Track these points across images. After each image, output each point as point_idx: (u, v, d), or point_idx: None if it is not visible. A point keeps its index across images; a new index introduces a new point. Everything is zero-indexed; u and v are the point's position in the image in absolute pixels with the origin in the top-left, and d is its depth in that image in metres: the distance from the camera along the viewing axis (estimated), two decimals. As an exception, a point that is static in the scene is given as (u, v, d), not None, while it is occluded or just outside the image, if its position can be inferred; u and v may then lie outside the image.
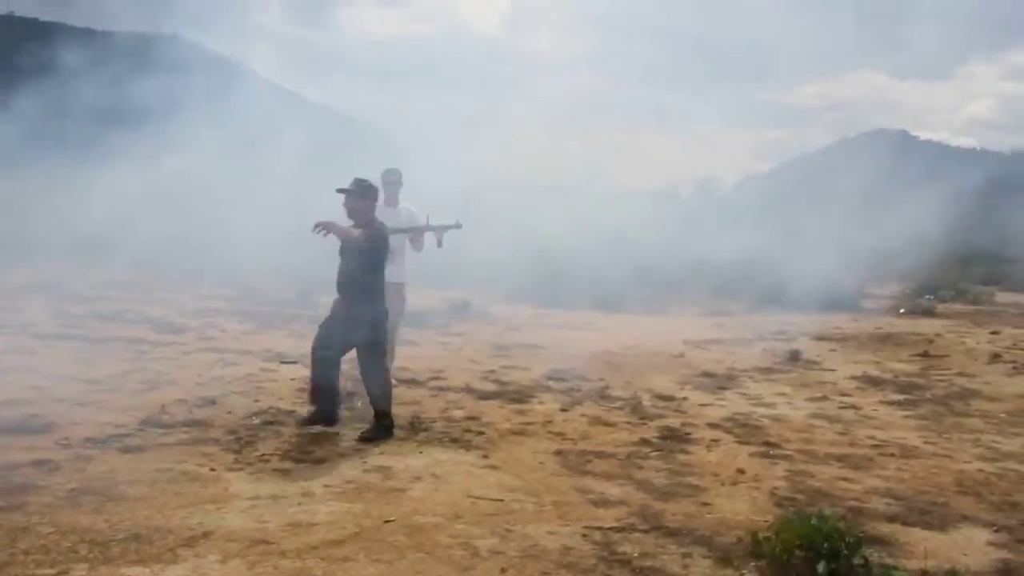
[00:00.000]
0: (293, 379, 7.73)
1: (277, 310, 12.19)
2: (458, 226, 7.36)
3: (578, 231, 18.04)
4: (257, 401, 6.90)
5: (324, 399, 6.28)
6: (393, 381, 6.75)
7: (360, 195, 6.18)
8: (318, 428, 6.18)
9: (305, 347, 9.28)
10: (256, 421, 6.32)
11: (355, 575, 3.82)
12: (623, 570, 4.01)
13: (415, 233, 7.38)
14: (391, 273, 6.93)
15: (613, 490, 5.17)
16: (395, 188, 7.44)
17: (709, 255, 15.86)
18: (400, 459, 5.57)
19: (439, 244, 7.44)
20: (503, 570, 3.94)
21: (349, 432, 6.13)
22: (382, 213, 6.74)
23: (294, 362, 8.53)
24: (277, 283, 15.24)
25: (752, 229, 17.21)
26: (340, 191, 6.17)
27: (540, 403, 7.38)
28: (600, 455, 5.89)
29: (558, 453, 5.90)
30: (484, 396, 7.49)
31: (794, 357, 9.88)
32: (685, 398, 7.76)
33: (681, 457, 5.94)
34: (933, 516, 4.95)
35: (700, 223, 18.60)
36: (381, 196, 6.65)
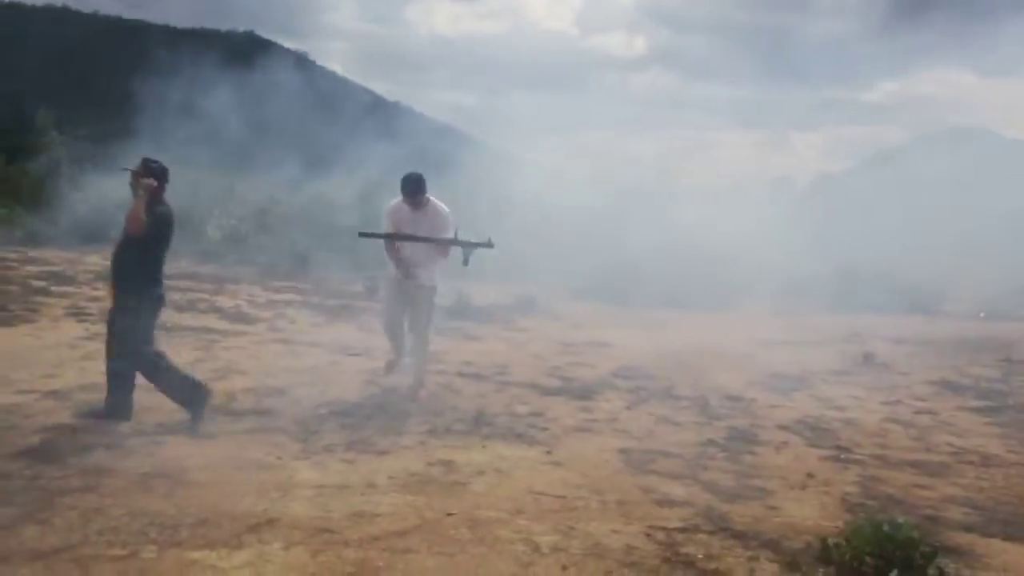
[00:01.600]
0: (359, 371, 7.79)
1: (346, 303, 12.31)
2: (490, 245, 7.05)
3: (646, 229, 17.90)
4: (324, 392, 6.96)
5: (115, 390, 5.79)
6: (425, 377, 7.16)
7: (146, 175, 5.61)
8: (382, 420, 6.21)
9: (372, 340, 9.41)
10: (322, 412, 6.38)
11: (416, 567, 3.81)
12: (687, 572, 3.93)
13: (440, 244, 6.94)
14: (421, 275, 6.95)
15: (678, 490, 5.08)
16: (417, 199, 6.92)
17: (782, 254, 15.57)
18: (463, 453, 5.56)
19: (465, 263, 6.95)
20: (564, 567, 3.90)
21: (413, 425, 6.14)
22: (407, 219, 6.85)
23: (358, 354, 8.61)
24: (348, 276, 15.43)
25: (826, 228, 16.86)
26: (125, 170, 5.74)
27: (605, 400, 7.31)
28: (665, 454, 5.80)
29: (623, 451, 5.83)
30: (549, 392, 7.45)
31: (868, 359, 9.62)
32: (754, 399, 7.61)
33: (748, 459, 5.82)
34: (1014, 527, 4.76)
35: (772, 222, 18.27)
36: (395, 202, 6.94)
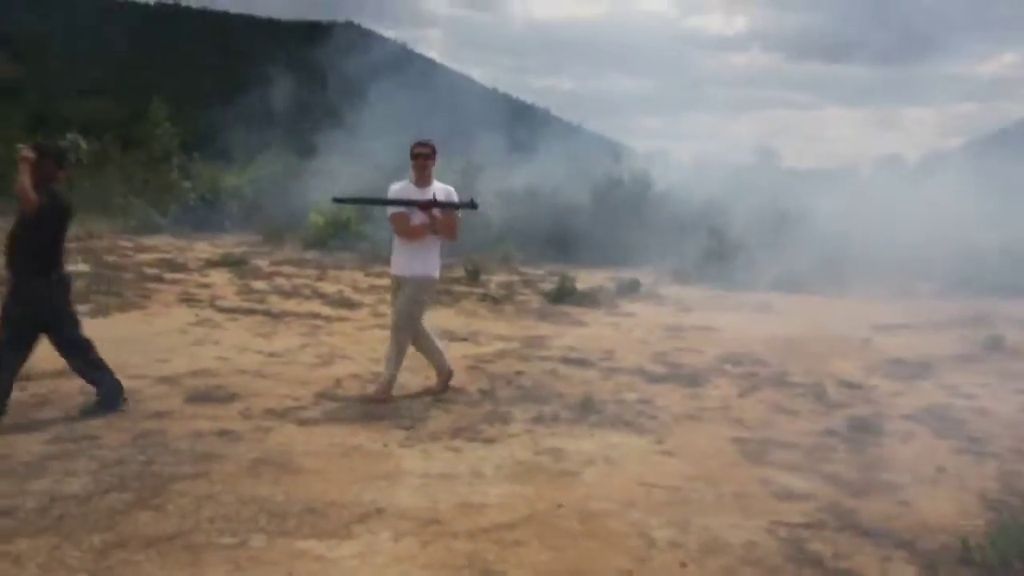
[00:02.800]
0: (463, 357, 7.71)
1: (448, 288, 12.28)
2: (473, 206, 6.45)
3: (753, 210, 17.40)
4: (428, 378, 6.89)
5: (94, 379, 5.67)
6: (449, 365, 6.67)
7: (40, 155, 5.28)
8: (488, 407, 6.11)
9: (475, 325, 9.35)
10: (426, 398, 6.31)
11: (527, 561, 3.68)
12: (814, 571, 3.69)
13: (422, 207, 6.24)
14: (417, 266, 6.30)
15: (799, 483, 4.82)
16: (427, 164, 6.29)
17: (896, 234, 14.89)
18: (571, 441, 5.41)
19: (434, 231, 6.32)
20: (683, 564, 3.71)
21: (520, 412, 6.01)
22: (410, 195, 6.26)
23: (464, 339, 8.54)
24: (448, 261, 15.43)
25: (942, 207, 16.05)
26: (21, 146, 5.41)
27: (715, 387, 7.04)
28: (782, 444, 5.52)
29: (736, 441, 5.58)
30: (657, 379, 7.22)
31: (996, 344, 9.05)
32: (874, 386, 7.22)
33: (873, 450, 5.49)
34: None
35: (883, 201, 17.52)
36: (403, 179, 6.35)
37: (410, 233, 6.22)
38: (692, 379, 7.23)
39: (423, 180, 6.29)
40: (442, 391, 6.47)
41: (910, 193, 18.12)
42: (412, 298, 6.30)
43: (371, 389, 6.40)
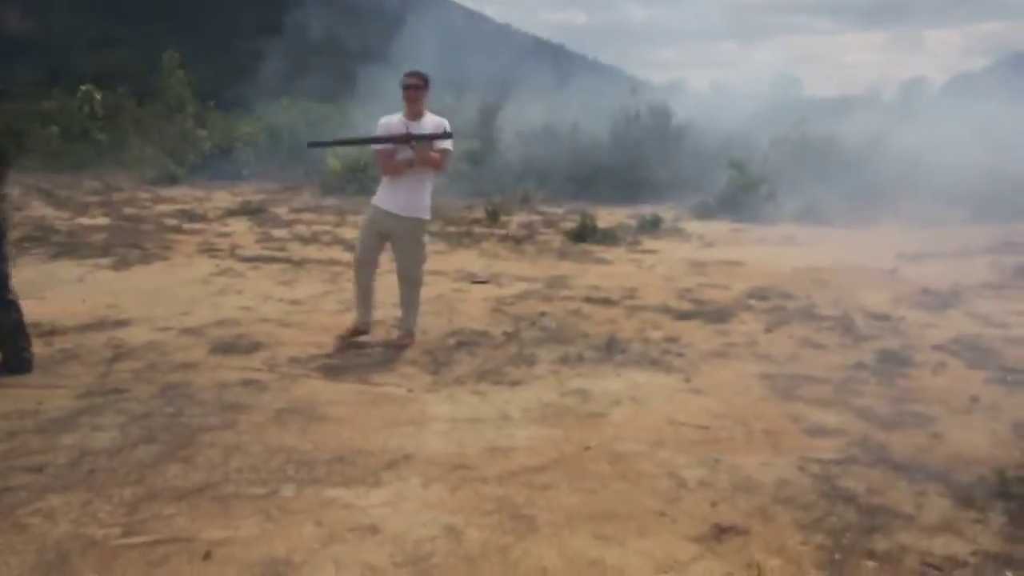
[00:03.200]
0: (485, 299, 7.66)
1: (468, 229, 12.20)
2: (447, 135, 6.03)
3: (773, 139, 17.10)
4: (451, 321, 6.87)
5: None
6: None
7: None
8: (512, 349, 6.07)
9: (497, 266, 9.29)
10: (451, 342, 6.28)
11: (557, 504, 3.66)
12: (848, 508, 3.65)
13: (405, 142, 5.94)
14: (413, 203, 6.05)
15: (829, 418, 4.76)
16: (418, 96, 5.98)
17: (921, 161, 14.60)
18: (597, 382, 5.37)
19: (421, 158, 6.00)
20: (714, 504, 3.68)
21: (544, 354, 5.97)
22: (398, 129, 5.94)
23: (485, 281, 8.49)
24: (468, 202, 15.33)
25: (969, 131, 15.69)
26: None
27: (742, 323, 6.97)
28: (811, 379, 5.46)
29: (765, 377, 5.52)
30: (682, 316, 7.15)
31: (1026, 271, 8.90)
32: (903, 317, 7.12)
33: (903, 383, 5.42)
34: None
35: (909, 127, 17.15)
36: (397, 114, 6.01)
37: (392, 169, 6.02)
38: (717, 315, 7.16)
39: (414, 113, 6.01)
40: (352, 337, 6.28)
41: (936, 117, 17.73)
42: (417, 241, 6.20)
43: (394, 335, 6.36)
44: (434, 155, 6.00)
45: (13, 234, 10.29)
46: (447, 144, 6.07)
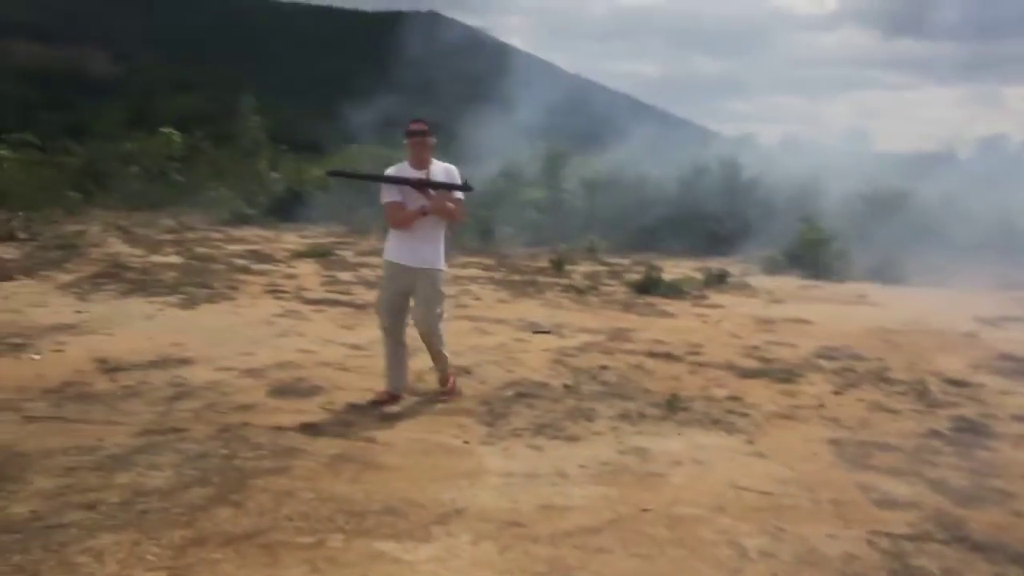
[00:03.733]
0: (546, 350, 7.57)
1: (532, 278, 12.16)
2: (467, 188, 5.81)
3: (844, 195, 16.82)
4: (510, 372, 6.78)
5: None
6: (456, 381, 6.14)
7: None
8: (571, 402, 5.96)
9: (560, 316, 9.20)
10: (509, 393, 6.19)
11: (611, 569, 3.52)
12: (921, 588, 3.44)
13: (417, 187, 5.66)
14: (428, 255, 5.75)
15: (901, 489, 4.54)
16: (426, 143, 5.71)
17: (999, 220, 14.18)
18: (658, 440, 5.22)
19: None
20: (777, 576, 3.50)
21: (604, 408, 5.85)
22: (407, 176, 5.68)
23: (547, 331, 8.40)
24: (533, 251, 15.34)
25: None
26: None
27: (810, 384, 6.75)
28: (883, 447, 5.23)
29: (833, 442, 5.31)
30: (747, 374, 6.96)
31: (1115, 339, 8.49)
32: (982, 384, 6.82)
33: (982, 454, 5.15)
34: None
35: (988, 185, 16.72)
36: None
37: (405, 220, 5.68)
38: (784, 375, 6.95)
39: (420, 161, 5.71)
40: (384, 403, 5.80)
41: (1015, 176, 17.26)
42: (440, 291, 5.88)
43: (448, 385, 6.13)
44: (451, 206, 5.73)
45: (89, 270, 10.60)
46: (460, 195, 5.82)
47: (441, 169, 5.80)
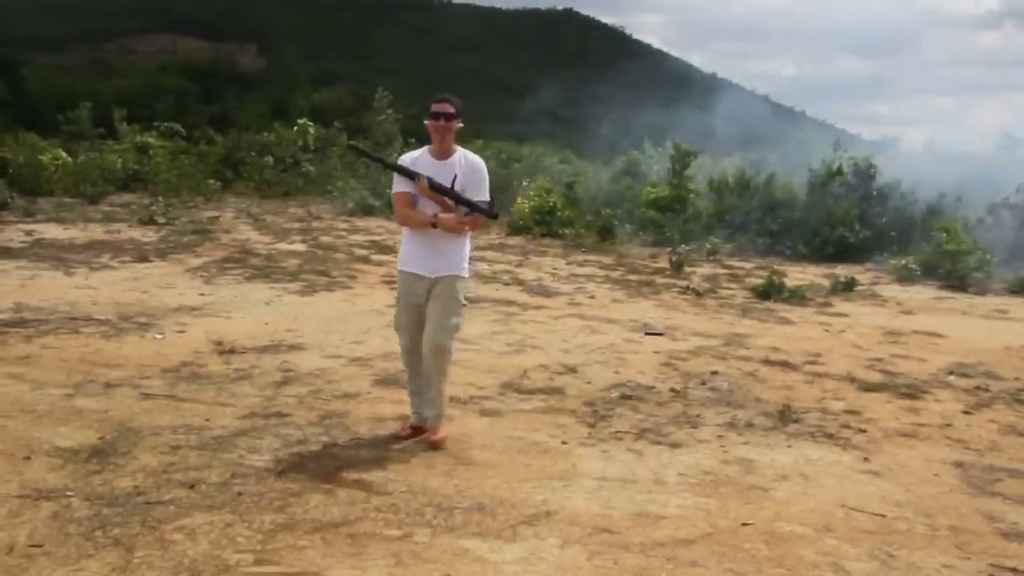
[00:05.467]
0: (657, 352, 7.38)
1: (649, 279, 11.94)
2: (492, 214, 4.90)
3: (990, 204, 15.89)
4: (617, 373, 6.64)
5: None
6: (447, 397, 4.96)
7: None
8: (677, 408, 5.77)
9: (674, 319, 8.98)
10: (614, 394, 6.05)
11: (702, 585, 3.36)
12: (1045, 632, 3.14)
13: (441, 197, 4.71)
14: (436, 265, 4.80)
15: (1031, 521, 4.19)
16: (450, 128, 4.73)
17: None
18: (765, 452, 4.99)
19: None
20: (882, 607, 3.27)
21: (711, 416, 5.64)
22: (427, 168, 4.72)
23: (660, 333, 8.19)
24: (652, 251, 15.08)
25: None
26: None
27: (937, 401, 6.35)
28: (1013, 473, 4.85)
29: (958, 465, 4.96)
30: (868, 388, 6.60)
31: None
32: None
33: None
34: None
35: None
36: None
37: (408, 221, 4.85)
38: (909, 390, 6.56)
39: (442, 150, 4.77)
40: (407, 437, 4.91)
41: None
42: (455, 299, 4.85)
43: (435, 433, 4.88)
44: (465, 225, 4.79)
45: (218, 254, 11.01)
46: (484, 196, 4.81)
47: (463, 162, 4.79)
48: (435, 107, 4.73)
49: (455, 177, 4.74)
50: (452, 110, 4.72)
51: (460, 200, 4.73)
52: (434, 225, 4.72)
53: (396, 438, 4.88)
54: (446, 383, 4.92)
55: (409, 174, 4.76)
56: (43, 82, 53.92)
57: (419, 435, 4.89)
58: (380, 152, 23.39)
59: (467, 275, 4.97)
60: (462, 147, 4.90)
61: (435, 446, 4.74)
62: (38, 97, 47.06)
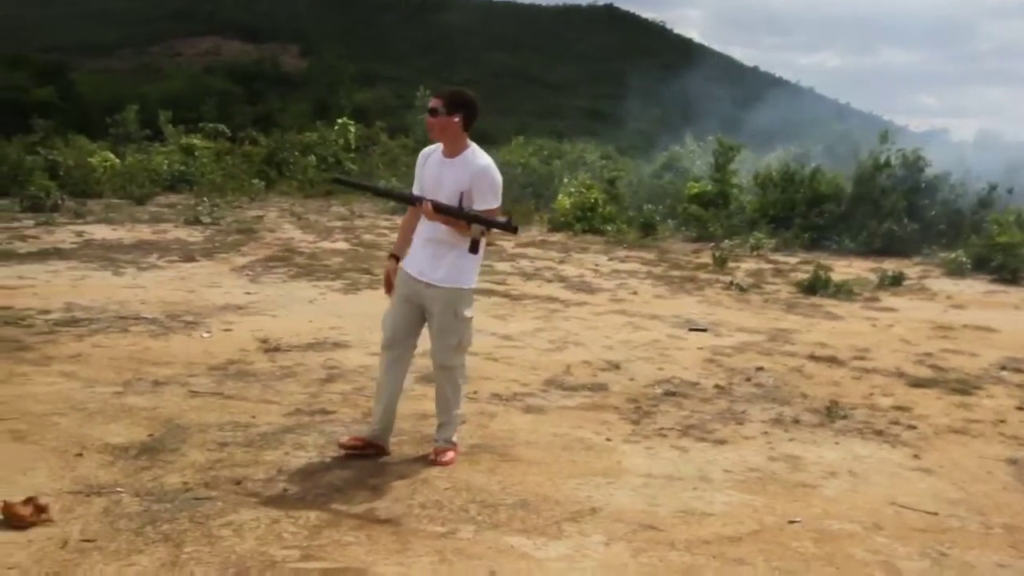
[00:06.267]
0: (700, 348, 7.33)
1: (692, 275, 11.85)
2: (512, 229, 4.37)
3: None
4: (661, 369, 6.59)
5: None
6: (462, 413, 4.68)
7: None
8: (722, 404, 5.72)
9: (718, 314, 8.90)
10: (658, 391, 6.01)
11: (750, 582, 3.32)
12: (1105, 633, 3.06)
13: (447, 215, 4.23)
14: (437, 272, 4.33)
15: (1089, 519, 4.08)
16: (436, 126, 4.30)
17: None
18: (812, 449, 4.92)
19: (472, 248, 4.30)
20: (934, 606, 3.20)
21: (757, 412, 5.58)
22: (432, 172, 4.37)
23: (704, 329, 8.13)
24: (695, 247, 14.97)
25: None
26: None
27: (989, 397, 6.22)
28: (1070, 470, 4.74)
29: (1012, 462, 4.86)
30: (918, 383, 6.49)
31: None
32: None
33: None
34: None
35: None
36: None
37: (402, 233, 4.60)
38: (960, 386, 6.44)
39: (450, 148, 4.34)
40: (357, 453, 4.49)
41: None
42: (456, 315, 4.39)
43: (435, 451, 4.56)
44: (439, 219, 4.26)
45: (262, 253, 11.12)
46: (489, 205, 4.32)
47: (468, 164, 4.32)
48: (432, 104, 4.32)
49: (461, 195, 4.25)
50: (435, 104, 4.26)
51: (473, 219, 4.22)
52: (418, 203, 4.30)
53: (343, 449, 4.47)
54: (455, 408, 4.51)
55: (407, 199, 4.50)
56: (92, 86, 54.96)
57: (365, 452, 4.46)
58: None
59: (469, 287, 4.42)
60: (477, 144, 4.42)
61: (440, 463, 4.42)
62: (87, 101, 47.95)
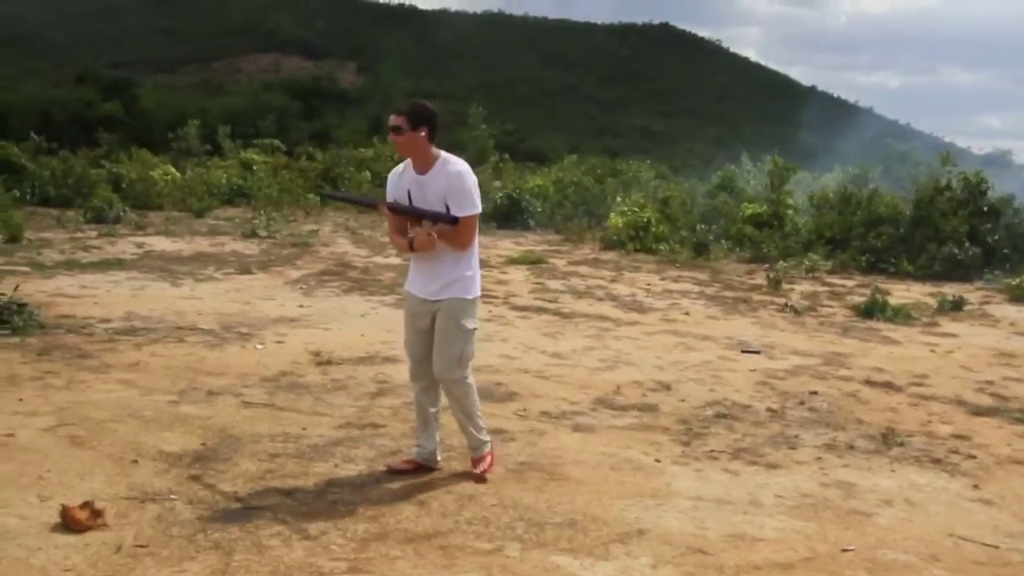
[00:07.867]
0: (753, 370, 7.23)
1: (745, 296, 11.72)
2: (450, 219, 4.20)
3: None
4: (712, 391, 6.52)
5: None
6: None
7: None
8: (775, 427, 5.63)
9: (772, 337, 8.79)
10: (709, 412, 5.94)
11: (801, 611, 3.26)
12: None
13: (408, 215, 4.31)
14: (436, 288, 4.34)
15: None
16: (399, 141, 4.26)
17: None
18: (868, 476, 4.82)
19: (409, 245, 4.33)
20: (994, 642, 3.11)
21: (810, 437, 5.49)
22: (407, 186, 4.31)
23: (757, 351, 8.03)
24: (749, 267, 14.82)
25: None
26: None
27: (1053, 427, 6.04)
28: None
29: (1077, 495, 4.70)
30: (978, 411, 6.32)
31: None
32: None
33: None
34: None
35: None
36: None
37: (398, 248, 4.59)
38: (1023, 415, 6.26)
39: (416, 164, 4.30)
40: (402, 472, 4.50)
41: None
42: (457, 325, 4.35)
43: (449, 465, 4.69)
44: (431, 237, 4.21)
45: (316, 267, 11.26)
46: (467, 212, 4.25)
47: (445, 172, 4.27)
48: (393, 123, 4.25)
49: (409, 192, 4.30)
50: (398, 122, 4.19)
51: (419, 214, 4.24)
52: (412, 249, 4.32)
53: (390, 471, 4.48)
54: (473, 417, 4.49)
55: (365, 203, 4.56)
56: (155, 101, 56.41)
57: (418, 471, 4.49)
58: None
59: (471, 297, 4.40)
60: (447, 152, 4.36)
61: (478, 480, 4.42)
62: (150, 116, 49.19)
